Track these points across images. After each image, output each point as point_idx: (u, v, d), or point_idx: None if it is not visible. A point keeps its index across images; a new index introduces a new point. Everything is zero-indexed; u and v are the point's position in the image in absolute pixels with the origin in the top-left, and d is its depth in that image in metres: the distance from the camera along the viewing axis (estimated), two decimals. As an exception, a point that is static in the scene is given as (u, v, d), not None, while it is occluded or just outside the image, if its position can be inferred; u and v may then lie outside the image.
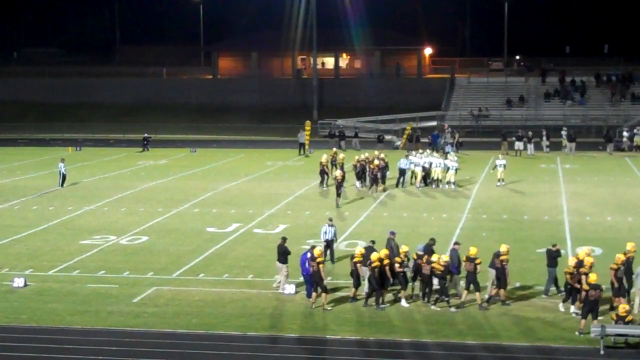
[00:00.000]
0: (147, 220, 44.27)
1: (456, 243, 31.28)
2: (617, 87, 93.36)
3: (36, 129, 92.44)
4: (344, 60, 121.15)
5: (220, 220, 44.25)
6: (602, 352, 25.06)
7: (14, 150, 78.09)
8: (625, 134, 73.65)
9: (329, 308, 29.06)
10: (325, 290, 29.23)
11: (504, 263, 29.54)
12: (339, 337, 26.59)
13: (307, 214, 45.87)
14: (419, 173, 54.07)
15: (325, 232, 35.10)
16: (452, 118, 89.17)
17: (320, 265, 29.03)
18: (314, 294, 29.33)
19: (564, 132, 73.13)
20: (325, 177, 53.68)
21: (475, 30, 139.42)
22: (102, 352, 25.43)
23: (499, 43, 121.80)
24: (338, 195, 47.57)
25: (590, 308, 26.32)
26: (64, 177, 54.31)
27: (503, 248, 29.94)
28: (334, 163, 55.45)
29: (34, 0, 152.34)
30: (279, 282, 31.53)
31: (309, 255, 29.78)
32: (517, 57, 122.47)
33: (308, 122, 75.70)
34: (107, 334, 26.88)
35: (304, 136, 73.90)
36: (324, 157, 54.29)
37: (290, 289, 30.87)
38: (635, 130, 73.02)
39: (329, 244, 35.03)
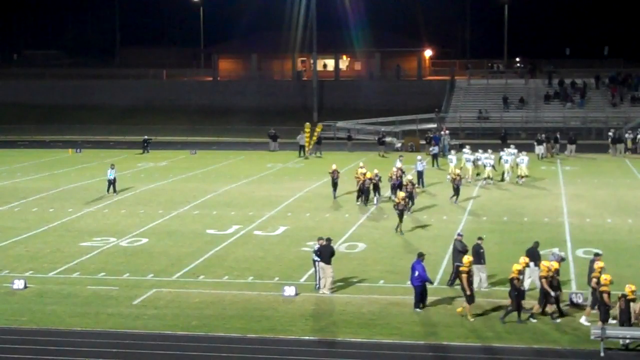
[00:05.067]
0: (147, 222, 44.29)
1: (597, 254, 30.00)
2: (617, 89, 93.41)
3: (36, 130, 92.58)
4: (344, 62, 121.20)
5: (220, 222, 44.26)
6: (602, 354, 25.04)
7: (14, 152, 78.13)
8: (627, 135, 73.78)
9: (472, 319, 28.22)
10: (468, 300, 28.48)
11: None
12: (339, 339, 26.61)
13: (307, 215, 45.89)
14: (470, 168, 55.90)
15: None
16: (452, 120, 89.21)
17: (463, 275, 28.58)
18: (466, 305, 28.50)
19: (610, 134, 73.31)
20: (364, 193, 48.57)
21: (475, 32, 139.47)
22: (102, 354, 25.42)
23: (499, 45, 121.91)
24: (400, 220, 41.48)
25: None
26: (111, 183, 52.95)
27: None
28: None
29: (34, 2, 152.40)
30: (324, 285, 31.30)
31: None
32: (517, 59, 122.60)
33: (308, 124, 75.80)
34: (107, 336, 26.87)
35: (304, 138, 73.98)
36: (361, 170, 49.27)
37: (290, 291, 30.86)
38: (627, 135, 73.25)
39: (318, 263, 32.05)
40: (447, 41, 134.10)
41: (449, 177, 54.52)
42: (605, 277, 26.97)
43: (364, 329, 27.40)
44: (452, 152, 59.23)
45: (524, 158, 56.96)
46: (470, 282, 28.52)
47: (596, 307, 27.11)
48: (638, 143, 72.30)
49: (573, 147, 70.64)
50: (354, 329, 27.47)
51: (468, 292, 28.36)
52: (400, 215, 41.16)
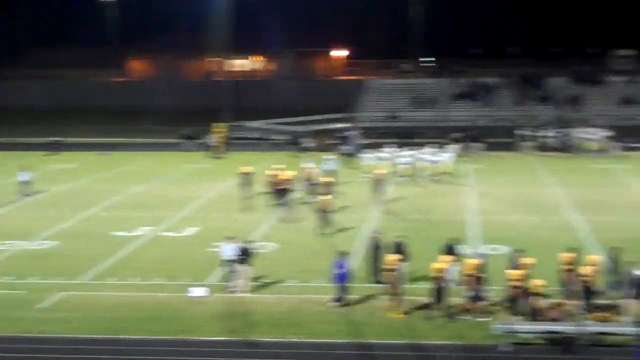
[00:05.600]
0: (56, 225, 43.83)
1: (517, 250, 30.59)
2: (524, 88, 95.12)
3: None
4: (257, 62, 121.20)
5: (131, 223, 44.01)
6: (509, 348, 25.67)
7: None
8: (535, 134, 74.99)
9: (398, 317, 28.49)
10: (395, 298, 28.71)
11: None
12: (250, 339, 26.77)
13: (218, 216, 45.90)
14: (387, 167, 56.12)
15: (227, 251, 32.50)
16: (364, 119, 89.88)
17: (390, 273, 28.81)
18: (387, 302, 28.85)
19: (521, 132, 74.48)
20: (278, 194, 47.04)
21: (386, 33, 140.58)
22: (10, 359, 25.22)
23: (409, 45, 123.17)
24: (324, 221, 41.15)
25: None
26: (23, 185, 51.98)
27: None
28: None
29: None
30: (243, 286, 31.39)
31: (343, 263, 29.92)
32: (427, 59, 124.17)
33: (220, 125, 75.69)
34: (16, 341, 26.61)
35: (215, 138, 73.84)
36: (288, 173, 48.04)
37: (200, 291, 30.90)
38: (541, 133, 74.26)
39: (229, 264, 32.39)
40: (359, 41, 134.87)
41: (364, 176, 55.30)
42: (515, 273, 27.59)
43: (276, 329, 27.61)
44: (370, 150, 59.89)
45: (447, 155, 58.82)
46: (397, 280, 28.80)
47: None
48: (548, 140, 73.26)
49: (481, 145, 71.72)
50: (266, 328, 27.65)
51: (395, 290, 28.67)
52: (324, 217, 40.96)
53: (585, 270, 28.44)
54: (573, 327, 25.93)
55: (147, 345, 26.36)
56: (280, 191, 47.50)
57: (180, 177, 61.01)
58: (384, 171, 50.60)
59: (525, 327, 26.45)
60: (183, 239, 40.55)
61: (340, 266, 29.79)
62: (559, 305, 27.24)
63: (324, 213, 40.94)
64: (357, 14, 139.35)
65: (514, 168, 63.69)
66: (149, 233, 41.85)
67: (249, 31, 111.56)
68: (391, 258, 29.40)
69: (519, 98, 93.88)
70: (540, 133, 74.39)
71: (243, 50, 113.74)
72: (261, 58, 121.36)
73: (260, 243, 38.98)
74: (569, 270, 29.12)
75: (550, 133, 73.81)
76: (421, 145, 61.95)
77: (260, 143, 77.78)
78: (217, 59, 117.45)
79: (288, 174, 48.07)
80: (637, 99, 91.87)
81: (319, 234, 40.67)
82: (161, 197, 52.03)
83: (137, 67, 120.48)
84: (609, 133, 73.32)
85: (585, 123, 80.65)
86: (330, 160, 55.33)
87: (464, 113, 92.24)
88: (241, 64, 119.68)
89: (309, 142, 77.80)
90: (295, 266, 35.26)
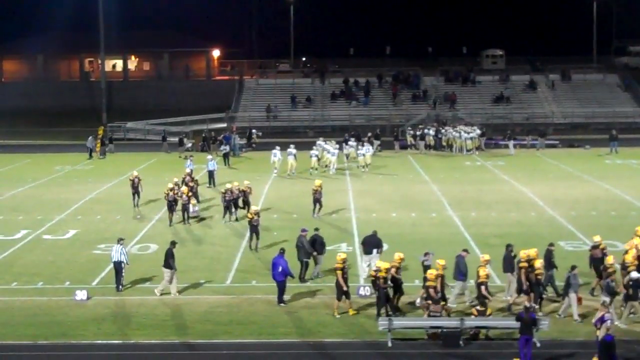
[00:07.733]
0: None
1: (465, 250, 30.63)
2: (398, 87, 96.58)
3: None
4: (132, 63, 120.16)
5: (7, 227, 43.25)
6: (389, 344, 26.12)
7: None
8: (409, 132, 76.30)
9: (352, 313, 28.66)
10: (342, 296, 28.69)
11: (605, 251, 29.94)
12: (132, 341, 26.71)
13: (98, 218, 45.45)
14: (292, 162, 59.15)
15: (115, 253, 31.93)
16: (242, 119, 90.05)
17: (338, 272, 28.74)
18: (336, 302, 28.76)
19: (415, 132, 75.67)
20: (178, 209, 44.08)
21: (263, 32, 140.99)
22: None
23: (285, 45, 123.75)
24: (257, 237, 38.17)
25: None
26: None
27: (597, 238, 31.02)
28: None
29: None
30: (162, 289, 31.25)
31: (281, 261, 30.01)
32: (304, 59, 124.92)
33: (101, 128, 74.98)
34: None
35: (94, 141, 72.92)
36: (170, 185, 44.36)
37: (82, 294, 30.62)
38: (426, 130, 75.13)
39: (116, 266, 31.92)
40: (235, 41, 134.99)
41: (275, 172, 59.14)
42: (431, 272, 27.99)
43: (158, 330, 27.59)
44: (277, 147, 60.62)
45: (369, 148, 62.98)
46: (345, 279, 28.86)
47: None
48: (425, 138, 74.20)
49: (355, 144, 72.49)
50: (147, 330, 27.61)
51: (345, 288, 28.74)
52: (253, 230, 37.89)
53: (537, 265, 28.76)
54: (453, 322, 26.52)
55: (27, 350, 26.05)
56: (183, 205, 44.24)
57: (59, 179, 60.14)
58: (319, 182, 46.38)
59: (405, 323, 27.01)
60: (63, 242, 40.05)
61: (280, 264, 30.01)
62: (437, 301, 27.80)
63: (254, 226, 37.91)
64: (235, 14, 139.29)
65: (391, 165, 64.61)
66: (28, 236, 41.18)
67: (126, 31, 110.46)
68: (337, 257, 29.42)
69: (394, 97, 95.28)
70: (416, 131, 75.59)
71: (118, 50, 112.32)
72: (137, 58, 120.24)
73: (141, 245, 38.95)
74: (525, 267, 29.00)
75: (426, 131, 75.04)
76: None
77: (164, 143, 76.27)
78: (92, 59, 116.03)
79: (185, 188, 45.04)
80: (507, 97, 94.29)
81: (252, 250, 37.99)
82: (41, 200, 51.22)
83: (10, 67, 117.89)
84: (483, 130, 75.36)
85: (461, 121, 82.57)
86: (210, 161, 55.40)
87: (340, 112, 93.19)
88: (117, 64, 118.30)
89: (188, 142, 77.52)
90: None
